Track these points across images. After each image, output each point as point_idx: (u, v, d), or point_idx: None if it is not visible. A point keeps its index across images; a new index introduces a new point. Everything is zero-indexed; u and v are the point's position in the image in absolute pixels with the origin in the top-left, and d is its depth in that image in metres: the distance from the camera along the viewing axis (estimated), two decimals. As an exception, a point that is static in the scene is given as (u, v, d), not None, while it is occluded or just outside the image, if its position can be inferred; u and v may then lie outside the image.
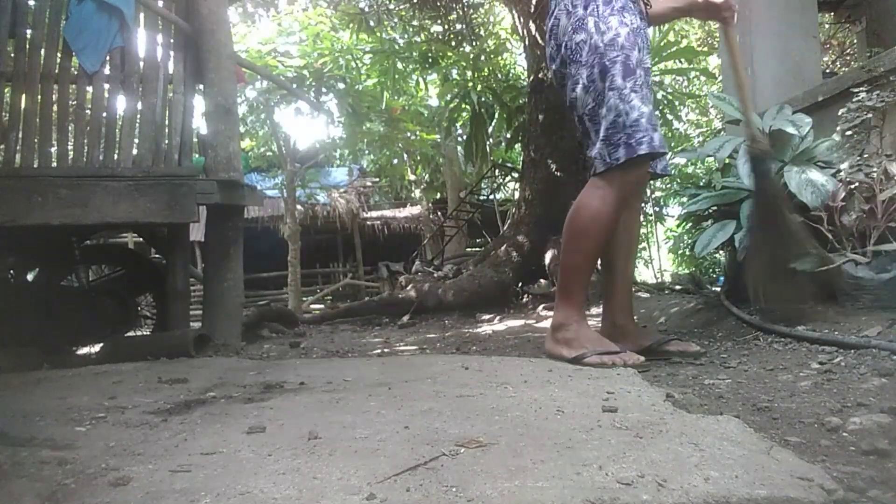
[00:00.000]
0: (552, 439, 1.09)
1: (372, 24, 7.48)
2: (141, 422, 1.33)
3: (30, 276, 3.56)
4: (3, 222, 2.65)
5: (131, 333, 3.49)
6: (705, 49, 9.74)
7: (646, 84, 1.96)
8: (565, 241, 2.04)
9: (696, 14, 2.29)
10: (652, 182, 13.09)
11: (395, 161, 12.25)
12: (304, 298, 11.88)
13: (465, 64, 7.31)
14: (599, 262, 2.23)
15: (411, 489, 0.88)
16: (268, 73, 7.37)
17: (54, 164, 2.97)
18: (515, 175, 8.72)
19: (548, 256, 4.64)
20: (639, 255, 13.76)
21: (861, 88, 2.77)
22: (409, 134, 10.23)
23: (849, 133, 2.71)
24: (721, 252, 3.26)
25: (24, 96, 2.99)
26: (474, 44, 7.68)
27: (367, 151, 12.91)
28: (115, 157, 3.03)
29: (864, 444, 1.10)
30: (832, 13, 6.30)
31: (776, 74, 4.02)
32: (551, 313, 3.96)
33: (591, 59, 1.92)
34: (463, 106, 7.07)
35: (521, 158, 5.65)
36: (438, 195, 14.07)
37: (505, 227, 5.53)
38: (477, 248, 9.63)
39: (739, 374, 1.78)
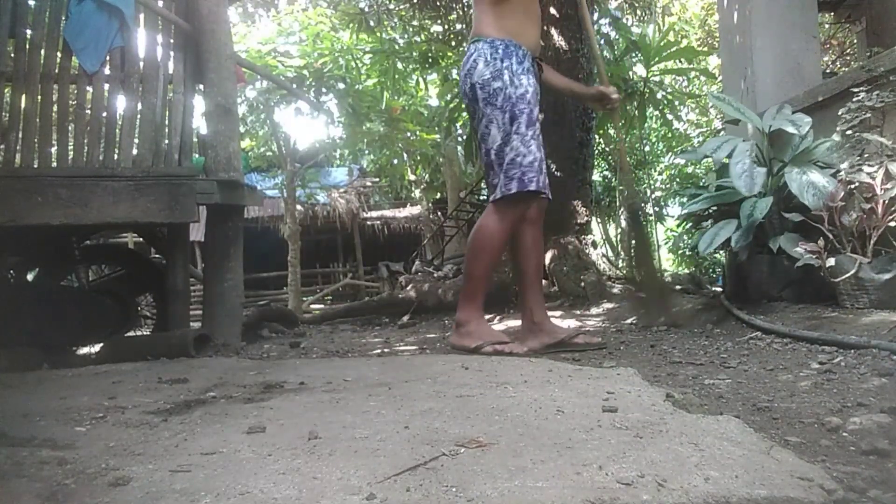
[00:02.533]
0: (552, 439, 1.09)
1: (372, 24, 7.48)
2: (141, 422, 1.33)
3: (30, 276, 3.56)
4: (3, 222, 2.65)
5: (131, 333, 3.49)
6: (705, 49, 9.74)
7: (540, 135, 2.35)
8: (468, 255, 2.42)
9: (585, 100, 2.80)
10: (652, 182, 13.12)
11: (395, 161, 12.25)
12: (304, 298, 11.89)
13: (465, 64, 7.29)
14: (514, 271, 2.61)
15: (411, 489, 0.88)
16: (268, 73, 7.37)
17: (54, 164, 2.97)
18: (515, 175, 8.69)
19: (548, 256, 4.64)
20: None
21: (861, 88, 2.78)
22: (409, 134, 10.23)
23: (849, 133, 2.71)
24: (721, 252, 3.26)
25: (24, 96, 2.99)
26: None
27: (367, 151, 12.90)
28: (115, 157, 3.02)
29: (864, 444, 1.10)
30: (832, 13, 6.30)
31: (776, 74, 4.02)
32: (552, 313, 3.97)
33: (505, 106, 2.28)
34: (463, 106, 7.07)
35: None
36: (438, 195, 14.06)
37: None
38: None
39: (739, 374, 1.78)
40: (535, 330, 2.43)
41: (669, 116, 6.60)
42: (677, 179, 12.05)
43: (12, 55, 3.02)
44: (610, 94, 2.65)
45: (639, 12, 8.26)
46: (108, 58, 3.09)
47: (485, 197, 11.44)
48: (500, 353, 2.20)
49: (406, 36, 8.04)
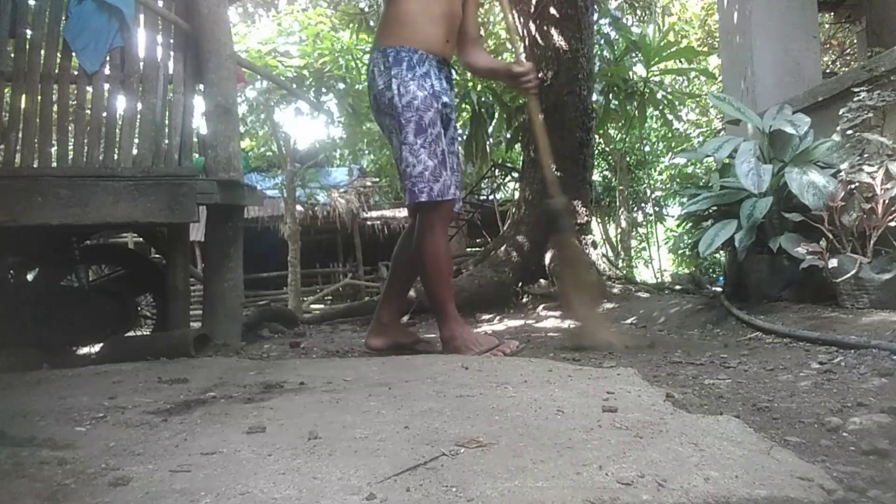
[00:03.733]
0: (552, 439, 1.09)
1: (372, 24, 7.48)
2: (141, 422, 1.33)
3: (30, 276, 3.56)
4: (3, 222, 2.65)
5: (131, 333, 3.49)
6: (705, 49, 9.74)
7: (439, 138, 2.29)
8: (423, 277, 2.40)
9: (503, 79, 2.65)
10: (652, 182, 13.13)
11: (395, 161, 12.22)
12: (304, 298, 11.88)
13: (465, 64, 7.29)
14: (392, 271, 2.61)
15: (411, 489, 0.88)
16: (268, 73, 7.37)
17: (54, 164, 2.97)
18: (515, 175, 8.72)
19: (548, 256, 4.64)
20: (639, 255, 13.80)
21: (861, 88, 2.78)
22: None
23: (849, 133, 2.71)
24: (721, 252, 3.26)
25: (24, 96, 2.99)
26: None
27: (367, 151, 12.91)
28: (115, 157, 3.02)
29: (864, 444, 1.10)
30: (832, 13, 6.30)
31: (776, 74, 4.03)
32: (552, 313, 3.98)
33: (395, 115, 2.27)
34: (463, 106, 7.07)
35: (521, 158, 5.65)
36: (438, 195, 14.02)
37: (505, 227, 5.53)
38: (477, 248, 9.63)
39: (739, 374, 1.78)
40: (384, 331, 2.51)
41: (669, 116, 6.60)
42: (677, 179, 12.06)
43: (12, 55, 3.02)
44: (522, 71, 2.46)
45: (639, 12, 8.26)
46: (108, 58, 3.09)
47: (485, 197, 11.46)
48: (499, 354, 2.23)
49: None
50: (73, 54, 3.06)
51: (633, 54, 6.02)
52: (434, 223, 2.31)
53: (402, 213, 15.15)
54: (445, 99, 2.37)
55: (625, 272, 5.71)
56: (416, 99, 2.25)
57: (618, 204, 12.71)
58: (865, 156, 2.62)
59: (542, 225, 4.79)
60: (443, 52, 2.40)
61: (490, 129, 7.00)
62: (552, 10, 4.78)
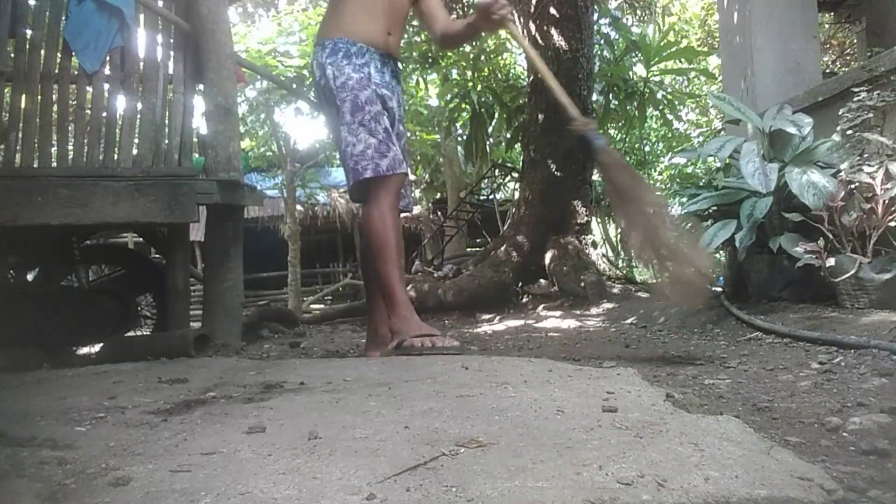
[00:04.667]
0: (552, 439, 1.09)
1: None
2: (141, 422, 1.33)
3: (30, 276, 3.56)
4: (3, 222, 2.65)
5: (131, 333, 3.49)
6: (705, 49, 9.74)
7: (379, 116, 2.26)
8: (369, 250, 2.30)
9: (480, 27, 2.46)
10: (652, 182, 13.13)
11: (395, 161, 12.22)
12: (304, 298, 11.89)
13: (465, 64, 7.31)
14: (368, 282, 2.54)
15: (411, 489, 0.88)
16: (268, 73, 7.37)
17: (54, 164, 2.97)
18: (515, 175, 8.72)
19: (548, 256, 4.64)
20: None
21: (861, 88, 2.78)
22: (408, 134, 10.22)
23: (849, 133, 2.71)
24: (721, 252, 3.26)
25: (24, 96, 2.99)
26: (474, 44, 7.68)
27: (367, 151, 12.87)
28: (115, 157, 3.03)
29: (864, 444, 1.10)
30: (832, 13, 6.30)
31: (776, 74, 4.03)
32: (552, 313, 3.98)
33: (344, 95, 2.25)
34: (463, 106, 7.08)
35: (521, 158, 5.65)
36: (438, 195, 14.06)
37: (505, 227, 5.54)
38: (477, 248, 9.62)
39: (739, 374, 1.78)
40: (380, 342, 2.42)
41: (669, 116, 6.61)
42: (677, 179, 12.05)
43: (12, 55, 3.02)
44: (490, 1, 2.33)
45: (639, 12, 8.26)
46: (108, 58, 3.09)
47: (485, 197, 11.46)
48: (434, 347, 2.17)
49: (406, 36, 8.03)
50: (73, 54, 3.06)
51: (633, 54, 6.02)
52: (381, 197, 2.25)
53: (402, 213, 15.16)
54: (385, 91, 2.33)
55: (625, 272, 5.71)
56: (350, 80, 2.25)
57: (611, 185, 12.69)
58: (865, 156, 2.62)
59: (542, 225, 4.79)
60: (385, 45, 2.40)
61: (490, 129, 7.00)
62: (552, 10, 4.79)
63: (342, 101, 2.24)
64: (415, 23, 7.87)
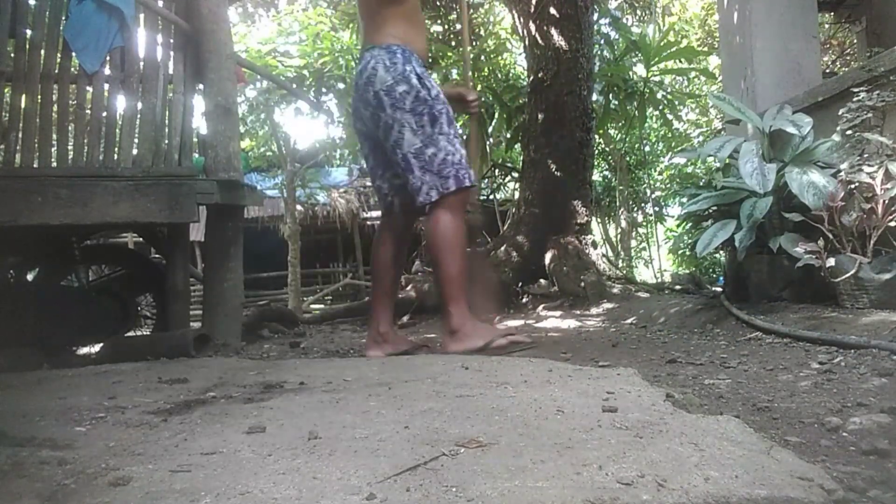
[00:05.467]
0: (552, 439, 1.09)
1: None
2: (141, 422, 1.33)
3: (30, 276, 3.56)
4: (3, 222, 2.65)
5: (131, 333, 3.49)
6: (705, 49, 9.74)
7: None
8: (437, 258, 2.29)
9: (450, 101, 2.56)
10: (652, 182, 13.12)
11: (395, 161, 12.23)
12: (304, 298, 11.88)
13: (465, 64, 7.28)
14: (378, 279, 2.54)
15: (411, 489, 0.88)
16: (268, 73, 7.37)
17: (54, 164, 2.97)
18: (515, 175, 8.72)
19: (548, 256, 4.64)
20: (639, 255, 13.81)
21: (861, 88, 2.78)
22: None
23: (849, 133, 2.71)
24: (721, 252, 3.26)
25: (24, 96, 2.99)
26: (474, 44, 7.68)
27: (367, 151, 12.89)
28: (115, 157, 3.02)
29: (864, 444, 1.10)
30: (832, 13, 6.30)
31: (776, 74, 4.02)
32: (551, 313, 3.98)
33: (419, 108, 2.26)
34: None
35: (521, 158, 5.65)
36: (438, 195, 14.00)
37: (505, 227, 5.53)
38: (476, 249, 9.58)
39: (739, 374, 1.78)
40: (381, 341, 2.44)
41: (669, 116, 6.61)
42: (677, 179, 12.05)
43: (12, 55, 3.02)
44: (468, 96, 2.66)
45: (639, 12, 8.26)
46: (108, 58, 3.09)
47: (484, 197, 11.45)
48: (513, 344, 2.26)
49: (406, 36, 8.03)
50: (73, 54, 3.06)
51: (633, 54, 6.02)
52: (460, 209, 2.33)
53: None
54: None
55: (625, 272, 5.71)
56: (440, 93, 2.32)
57: (618, 204, 12.70)
58: (865, 156, 2.62)
59: (542, 225, 4.79)
60: (425, 60, 2.47)
61: (490, 129, 7.00)
62: (552, 10, 4.78)
63: (440, 112, 2.28)
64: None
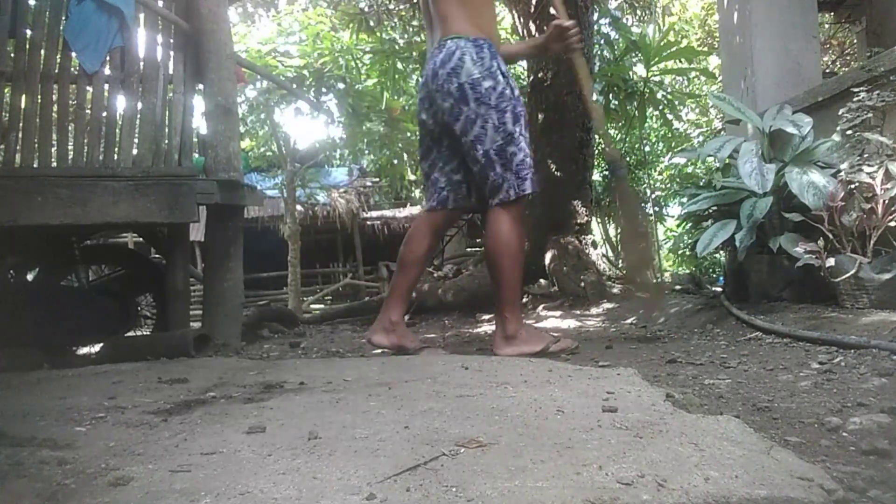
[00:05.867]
0: (552, 439, 1.09)
1: (372, 24, 7.48)
2: (141, 422, 1.33)
3: (30, 276, 3.56)
4: (3, 222, 2.65)
5: (131, 333, 3.49)
6: (705, 49, 9.73)
7: None
8: (499, 262, 2.29)
9: (545, 52, 2.60)
10: (652, 182, 13.13)
11: (395, 161, 12.26)
12: (304, 298, 11.88)
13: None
14: (403, 269, 2.52)
15: (411, 489, 0.88)
16: (268, 74, 7.37)
17: (54, 164, 2.97)
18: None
19: (548, 256, 4.64)
20: (639, 255, 13.81)
21: (861, 88, 2.78)
22: (409, 134, 10.22)
23: (849, 133, 2.71)
24: (721, 252, 3.26)
25: (24, 96, 2.99)
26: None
27: (367, 151, 12.90)
28: (115, 157, 3.02)
29: (864, 444, 1.10)
30: (832, 13, 6.30)
31: (776, 74, 4.02)
32: (551, 313, 3.98)
33: (503, 106, 2.24)
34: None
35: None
36: (438, 195, 14.00)
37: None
38: (477, 248, 9.60)
39: (739, 374, 1.78)
40: (390, 331, 2.45)
41: (669, 116, 6.60)
42: (677, 179, 12.04)
43: (12, 55, 3.02)
44: (563, 24, 2.49)
45: (639, 12, 8.26)
46: (108, 58, 3.09)
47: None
48: (564, 349, 2.31)
49: (406, 36, 8.03)
50: (73, 54, 3.06)
51: (633, 54, 6.02)
52: (520, 210, 2.33)
53: (402, 213, 15.16)
54: None
55: (625, 272, 5.71)
56: (517, 92, 2.30)
57: (618, 204, 12.70)
58: (865, 156, 2.62)
59: (542, 225, 4.79)
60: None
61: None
62: (552, 11, 4.78)
63: (520, 113, 2.28)
64: (414, 23, 7.89)
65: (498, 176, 2.26)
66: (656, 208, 12.92)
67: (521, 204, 2.31)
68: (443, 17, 2.35)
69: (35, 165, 2.95)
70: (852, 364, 1.74)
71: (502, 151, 2.25)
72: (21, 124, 2.94)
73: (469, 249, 9.86)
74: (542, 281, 4.68)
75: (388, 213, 15.30)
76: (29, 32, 3.06)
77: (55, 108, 3.04)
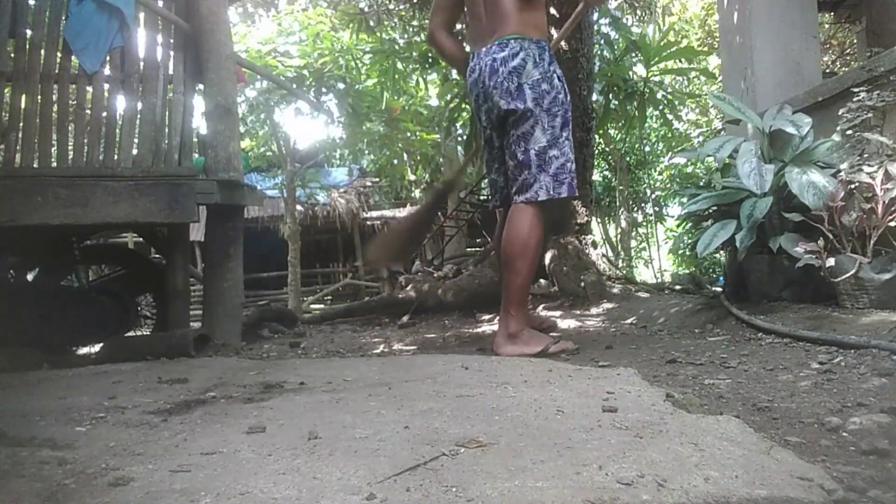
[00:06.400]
0: (552, 439, 1.09)
1: (372, 24, 7.48)
2: (141, 422, 1.33)
3: (30, 276, 3.56)
4: (3, 222, 2.65)
5: (131, 333, 3.49)
6: (705, 49, 9.73)
7: None
8: (514, 261, 2.30)
9: (585, 10, 2.58)
10: (652, 182, 13.13)
11: (395, 161, 12.26)
12: (304, 298, 11.88)
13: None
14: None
15: (411, 489, 0.88)
16: (268, 73, 7.37)
17: (54, 164, 2.97)
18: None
19: (548, 256, 4.63)
20: (639, 255, 13.82)
21: (861, 88, 2.78)
22: (409, 134, 10.22)
23: (849, 133, 2.71)
24: (721, 252, 3.26)
25: (24, 96, 2.99)
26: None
27: (367, 151, 12.91)
28: (115, 157, 3.02)
29: (864, 444, 1.10)
30: (832, 13, 6.30)
31: (776, 74, 4.02)
32: (552, 313, 3.97)
33: (554, 110, 2.32)
34: (463, 106, 7.06)
35: (522, 158, 5.64)
36: (438, 195, 14.00)
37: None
38: (477, 248, 9.61)
39: (739, 374, 1.78)
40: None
41: (669, 116, 6.60)
42: (677, 179, 12.05)
43: (12, 55, 3.02)
44: None
45: (639, 12, 8.25)
46: (108, 58, 3.09)
47: (485, 197, 11.45)
48: (563, 350, 2.29)
49: (406, 36, 8.03)
50: (73, 54, 3.06)
51: (633, 54, 6.01)
52: (547, 218, 2.38)
53: (402, 213, 15.16)
54: None
55: (625, 272, 5.71)
56: (568, 97, 2.39)
57: (618, 204, 12.71)
58: (865, 156, 2.62)
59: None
60: None
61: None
62: (552, 10, 4.78)
63: (569, 119, 2.37)
64: (414, 23, 7.89)
65: (531, 175, 2.31)
66: (656, 208, 12.94)
67: (548, 206, 2.34)
68: (503, 13, 2.34)
69: (35, 165, 2.95)
70: (852, 364, 1.74)
71: (543, 153, 2.31)
72: (21, 124, 2.94)
73: (469, 249, 9.86)
74: (542, 281, 4.67)
75: (388, 213, 15.30)
76: (29, 32, 3.06)
77: (55, 108, 3.04)
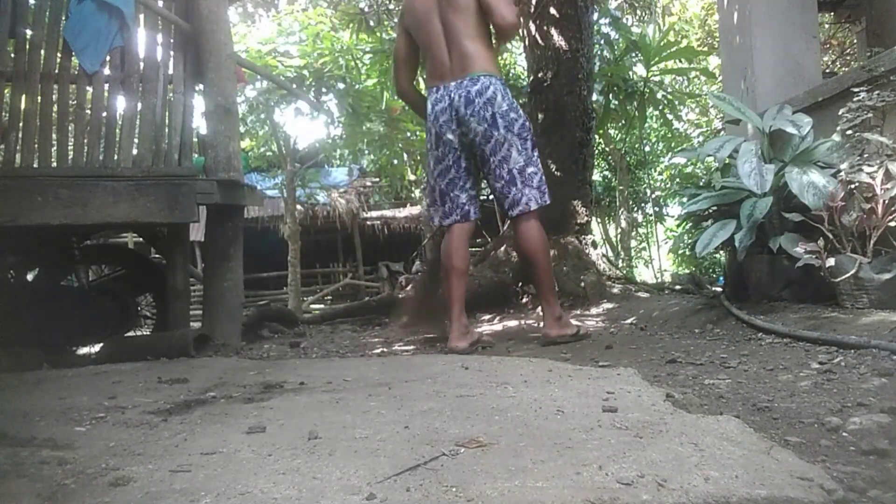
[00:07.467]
0: (552, 439, 1.09)
1: (372, 24, 7.47)
2: (141, 422, 1.33)
3: (30, 276, 3.56)
4: (3, 222, 2.65)
5: (131, 333, 3.49)
6: (705, 49, 9.73)
7: None
8: (537, 258, 2.75)
9: None
10: (652, 182, 13.13)
11: (395, 161, 12.26)
12: (304, 298, 11.88)
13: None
14: (457, 280, 2.90)
15: (411, 489, 0.88)
16: (268, 73, 7.37)
17: (54, 164, 2.96)
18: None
19: (548, 256, 4.63)
20: (639, 255, 13.81)
21: (861, 88, 2.77)
22: (409, 134, 10.21)
23: (849, 133, 2.71)
24: (721, 252, 3.26)
25: (24, 96, 2.99)
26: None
27: (367, 151, 12.90)
28: (115, 157, 3.02)
29: (864, 444, 1.10)
30: (832, 13, 6.29)
31: (776, 74, 4.02)
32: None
33: (524, 134, 2.73)
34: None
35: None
36: (438, 195, 13.98)
37: (505, 227, 5.53)
38: (477, 248, 9.59)
39: (739, 374, 1.78)
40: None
41: (669, 116, 6.60)
42: (677, 179, 12.05)
43: (12, 55, 3.02)
44: None
45: (639, 12, 8.25)
46: (108, 58, 3.09)
47: (484, 197, 11.44)
48: (587, 334, 2.78)
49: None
50: (73, 54, 3.06)
51: (633, 54, 6.01)
52: (540, 220, 2.78)
53: (402, 213, 15.17)
54: None
55: (625, 272, 5.70)
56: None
57: (618, 204, 12.71)
58: (865, 156, 2.62)
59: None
60: None
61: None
62: (552, 10, 4.78)
63: (534, 139, 2.79)
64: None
65: (518, 191, 2.71)
66: (656, 208, 12.93)
67: (538, 212, 2.77)
68: (469, 55, 2.71)
69: (35, 165, 2.95)
70: (852, 364, 1.74)
71: (523, 171, 2.70)
72: (21, 124, 2.94)
73: (469, 249, 9.84)
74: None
75: (388, 213, 15.30)
76: (29, 32, 3.06)
77: (55, 108, 3.04)
